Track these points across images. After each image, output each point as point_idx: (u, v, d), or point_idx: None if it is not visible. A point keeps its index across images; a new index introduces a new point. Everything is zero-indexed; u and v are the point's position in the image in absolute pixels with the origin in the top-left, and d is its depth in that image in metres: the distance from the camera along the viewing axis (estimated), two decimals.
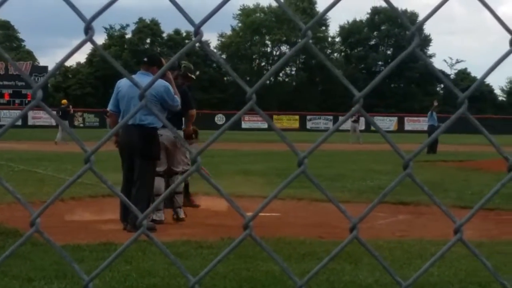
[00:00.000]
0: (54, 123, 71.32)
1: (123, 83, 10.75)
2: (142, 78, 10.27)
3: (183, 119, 11.90)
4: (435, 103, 36.71)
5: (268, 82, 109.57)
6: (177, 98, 10.80)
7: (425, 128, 39.65)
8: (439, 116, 36.69)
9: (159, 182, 11.22)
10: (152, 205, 1.73)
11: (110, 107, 11.07)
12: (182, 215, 11.64)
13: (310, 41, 1.66)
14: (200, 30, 1.61)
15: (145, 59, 10.92)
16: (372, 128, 68.02)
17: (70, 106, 44.83)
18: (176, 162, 11.55)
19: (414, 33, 1.70)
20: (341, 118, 1.74)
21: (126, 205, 10.70)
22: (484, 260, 1.86)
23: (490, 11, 1.71)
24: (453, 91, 1.79)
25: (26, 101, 76.08)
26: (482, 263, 1.85)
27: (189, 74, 12.61)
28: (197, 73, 13.35)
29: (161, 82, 10.57)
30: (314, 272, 1.78)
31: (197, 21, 1.62)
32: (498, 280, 1.87)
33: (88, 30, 1.56)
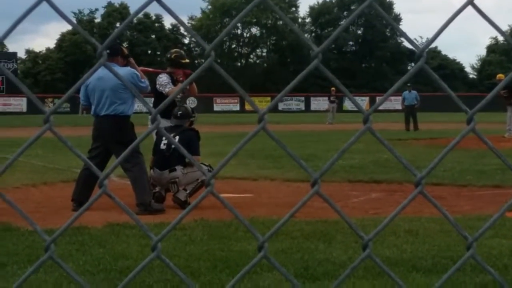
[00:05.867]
0: (24, 110, 71.06)
1: (90, 78, 10.95)
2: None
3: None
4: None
5: (239, 64, 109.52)
6: (145, 80, 11.08)
7: (397, 107, 39.76)
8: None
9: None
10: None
11: (82, 102, 11.45)
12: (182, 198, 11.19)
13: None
14: None
15: (107, 51, 10.99)
16: (344, 108, 68.17)
17: None
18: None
19: None
20: (301, 74, 1.73)
21: (80, 187, 10.67)
22: (444, 211, 1.88)
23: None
24: (412, 44, 1.80)
25: None
26: (442, 214, 1.87)
27: (182, 61, 12.61)
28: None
29: (125, 69, 10.99)
30: (275, 229, 1.77)
31: None
32: (459, 232, 1.88)
33: None
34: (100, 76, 10.70)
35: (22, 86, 1.61)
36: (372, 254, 1.81)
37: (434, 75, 1.80)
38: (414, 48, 1.81)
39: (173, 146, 11.04)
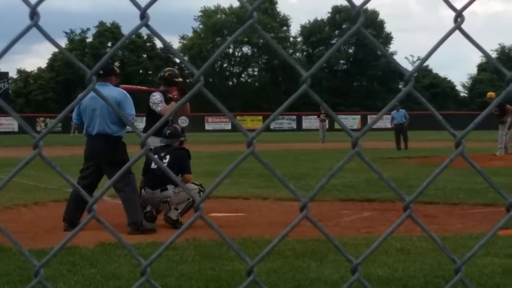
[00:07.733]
0: (16, 130, 70.92)
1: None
2: (101, 89, 10.49)
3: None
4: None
5: (231, 83, 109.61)
6: (133, 111, 10.96)
7: (389, 125, 39.80)
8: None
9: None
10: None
11: (75, 121, 11.32)
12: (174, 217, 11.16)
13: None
14: (147, 14, 1.61)
15: (101, 72, 10.93)
16: (336, 127, 68.24)
17: None
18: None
19: (359, 12, 1.71)
20: (290, 99, 1.74)
21: (72, 207, 10.66)
22: (432, 234, 1.88)
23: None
24: (400, 68, 1.81)
25: None
26: (430, 237, 1.87)
27: (176, 79, 12.36)
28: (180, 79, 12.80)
29: (118, 90, 11.01)
30: (264, 253, 1.78)
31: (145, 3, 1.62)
32: (447, 255, 1.89)
33: (34, 15, 1.53)
34: (93, 95, 10.68)
35: (11, 111, 1.61)
36: (361, 278, 1.81)
37: (422, 99, 1.81)
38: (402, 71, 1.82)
39: (165, 164, 10.96)
